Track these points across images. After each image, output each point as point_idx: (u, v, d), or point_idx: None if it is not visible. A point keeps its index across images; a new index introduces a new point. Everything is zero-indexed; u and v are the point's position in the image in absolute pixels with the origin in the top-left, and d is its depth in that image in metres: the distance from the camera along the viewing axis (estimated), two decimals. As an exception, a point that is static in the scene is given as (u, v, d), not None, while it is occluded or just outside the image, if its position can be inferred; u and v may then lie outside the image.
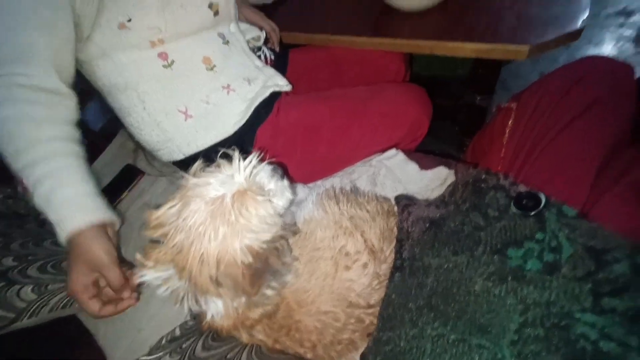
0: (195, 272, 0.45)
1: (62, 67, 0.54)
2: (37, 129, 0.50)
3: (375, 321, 0.53)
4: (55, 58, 0.52)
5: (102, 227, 0.54)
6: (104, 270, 0.53)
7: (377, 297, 0.54)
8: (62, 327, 0.69)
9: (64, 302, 0.62)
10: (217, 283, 0.45)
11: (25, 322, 0.58)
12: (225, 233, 0.44)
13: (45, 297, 0.61)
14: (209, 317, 0.51)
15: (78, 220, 0.51)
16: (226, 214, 0.44)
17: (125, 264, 0.57)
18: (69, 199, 0.51)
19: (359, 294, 0.53)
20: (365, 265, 0.54)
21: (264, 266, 0.47)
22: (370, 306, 0.53)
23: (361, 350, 0.55)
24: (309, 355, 0.54)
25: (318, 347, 0.53)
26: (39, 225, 0.80)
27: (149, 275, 0.48)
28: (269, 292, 0.50)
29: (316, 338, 0.52)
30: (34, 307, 0.59)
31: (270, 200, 0.49)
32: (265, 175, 0.52)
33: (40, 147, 0.49)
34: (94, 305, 0.53)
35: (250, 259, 0.45)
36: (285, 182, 0.55)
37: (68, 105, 0.54)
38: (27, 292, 0.59)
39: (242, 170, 0.48)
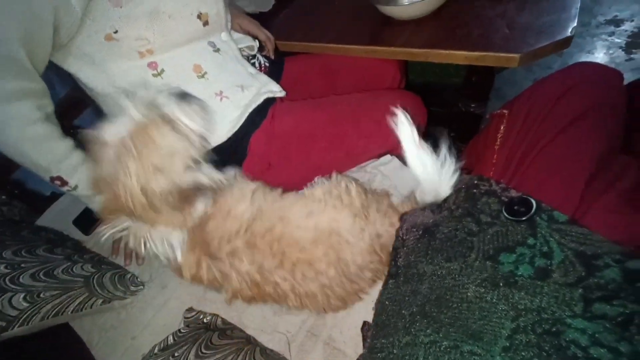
0: (132, 208, 0.51)
1: (38, 66, 0.58)
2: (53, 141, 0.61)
3: (352, 269, 0.55)
4: (33, 62, 0.56)
5: None
6: None
7: (359, 250, 0.56)
8: (55, 335, 0.68)
9: (56, 310, 0.62)
10: (156, 209, 0.51)
11: (17, 330, 0.58)
12: (136, 168, 0.49)
13: (37, 305, 0.60)
14: (178, 255, 0.56)
15: None
16: (130, 151, 0.49)
17: None
18: None
19: (340, 235, 0.55)
20: (355, 216, 0.56)
21: (193, 186, 0.53)
22: (350, 247, 0.55)
23: (334, 308, 0.58)
24: (286, 286, 0.55)
25: (296, 273, 0.54)
26: (32, 232, 0.79)
27: (107, 230, 0.55)
28: (202, 205, 0.55)
29: (295, 257, 0.54)
30: (25, 316, 0.59)
31: (178, 125, 0.54)
32: (170, 103, 0.56)
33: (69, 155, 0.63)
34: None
35: (167, 185, 0.50)
36: (195, 106, 0.59)
37: (48, 97, 0.62)
38: (19, 300, 0.59)
39: (137, 107, 0.52)
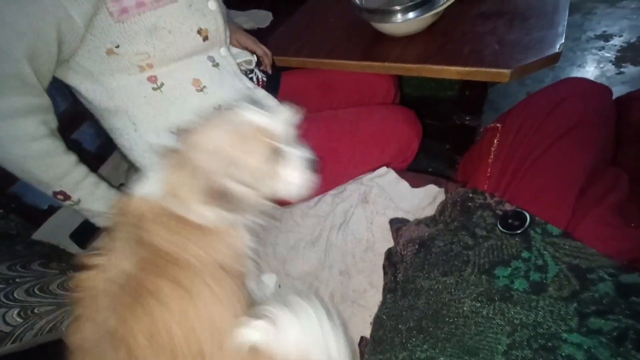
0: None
1: (43, 82, 0.59)
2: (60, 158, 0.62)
3: None
4: (38, 77, 0.57)
5: None
6: None
7: None
8: (47, 352, 0.67)
9: (50, 326, 0.61)
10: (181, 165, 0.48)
11: (9, 347, 0.57)
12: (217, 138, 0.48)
13: (31, 321, 0.59)
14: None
15: None
16: (237, 135, 0.48)
17: None
18: (109, 195, 0.70)
19: None
20: None
21: (226, 193, 0.48)
22: None
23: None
24: None
25: None
26: (27, 247, 0.79)
27: None
28: (213, 215, 0.50)
29: None
30: (18, 332, 0.58)
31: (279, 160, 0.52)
32: (294, 145, 0.54)
33: (72, 169, 0.64)
34: None
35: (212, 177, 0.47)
36: (307, 175, 0.55)
37: (53, 112, 0.62)
38: (13, 315, 0.58)
39: (283, 116, 0.52)
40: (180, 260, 0.48)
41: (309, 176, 0.56)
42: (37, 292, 0.63)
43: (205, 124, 0.51)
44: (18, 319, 0.57)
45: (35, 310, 0.60)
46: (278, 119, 0.53)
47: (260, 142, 0.50)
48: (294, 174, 0.55)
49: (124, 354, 0.43)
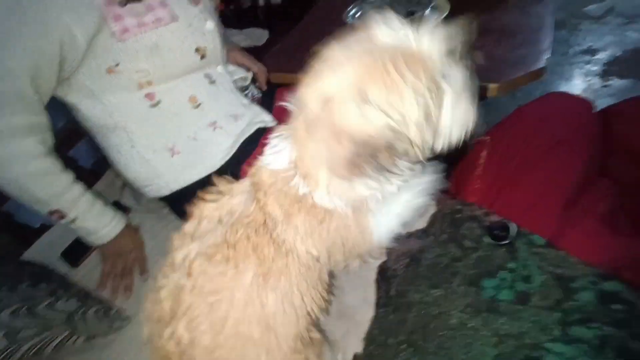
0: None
1: (43, 100, 0.60)
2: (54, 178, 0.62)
3: None
4: (40, 95, 0.58)
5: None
6: (135, 252, 0.76)
7: None
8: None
9: (36, 349, 0.59)
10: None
11: (-8, 371, 0.55)
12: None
13: (16, 345, 0.58)
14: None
15: (116, 228, 0.73)
16: (380, 71, 0.34)
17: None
18: (104, 213, 0.71)
19: None
20: None
21: (370, 156, 0.36)
22: None
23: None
24: None
25: None
26: (16, 267, 0.78)
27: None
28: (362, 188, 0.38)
29: None
30: (3, 355, 0.56)
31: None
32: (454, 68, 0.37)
33: (67, 190, 0.64)
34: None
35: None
36: (474, 111, 0.39)
37: (51, 130, 0.63)
38: (-2, 338, 0.57)
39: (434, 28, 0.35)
40: (276, 239, 0.43)
41: (476, 113, 0.39)
42: (25, 313, 0.61)
43: (332, 57, 0.37)
44: (3, 342, 0.56)
45: (21, 334, 0.59)
46: (430, 34, 0.36)
47: (414, 77, 0.34)
48: (458, 112, 0.38)
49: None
